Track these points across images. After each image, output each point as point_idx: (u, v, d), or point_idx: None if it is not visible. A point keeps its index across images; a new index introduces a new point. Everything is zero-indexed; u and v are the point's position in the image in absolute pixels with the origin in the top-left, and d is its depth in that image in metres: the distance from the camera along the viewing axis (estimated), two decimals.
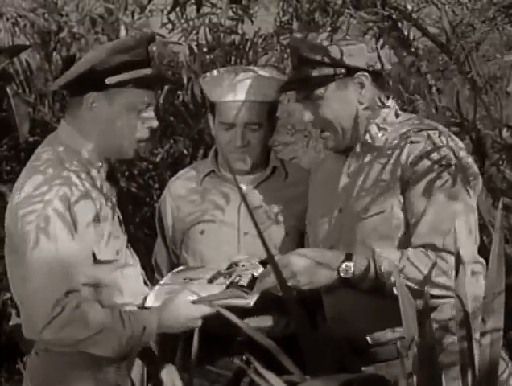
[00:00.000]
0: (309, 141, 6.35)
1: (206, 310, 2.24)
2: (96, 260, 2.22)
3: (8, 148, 4.05)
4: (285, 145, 5.22)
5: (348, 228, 2.32)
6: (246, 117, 2.54)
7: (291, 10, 2.28)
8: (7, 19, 3.96)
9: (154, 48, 2.29)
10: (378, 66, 2.30)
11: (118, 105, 2.28)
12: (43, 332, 2.12)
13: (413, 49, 2.37)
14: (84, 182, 2.21)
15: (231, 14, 2.33)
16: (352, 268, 2.17)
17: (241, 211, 2.57)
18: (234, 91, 2.53)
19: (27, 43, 4.11)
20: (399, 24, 2.30)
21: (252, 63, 3.96)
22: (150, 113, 2.32)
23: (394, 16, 2.25)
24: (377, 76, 2.32)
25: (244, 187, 2.59)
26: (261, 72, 2.59)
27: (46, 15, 3.94)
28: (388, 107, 2.34)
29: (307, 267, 2.17)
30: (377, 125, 2.33)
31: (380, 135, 2.32)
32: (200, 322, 2.24)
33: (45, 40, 4.15)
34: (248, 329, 1.77)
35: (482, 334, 1.66)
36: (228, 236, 2.58)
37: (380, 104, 2.32)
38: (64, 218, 2.14)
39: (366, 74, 2.30)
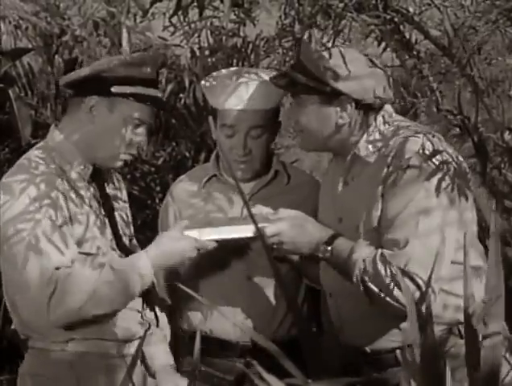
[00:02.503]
0: None
1: (200, 238, 2.30)
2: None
3: (10, 150, 4.05)
4: (287, 148, 5.21)
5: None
6: (249, 122, 2.53)
7: (292, 13, 2.28)
8: (9, 22, 3.96)
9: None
10: (370, 97, 2.28)
11: (118, 115, 2.34)
12: (49, 311, 2.18)
13: (415, 52, 2.37)
14: (69, 203, 2.27)
15: (233, 17, 2.33)
16: (329, 253, 2.27)
17: (244, 215, 2.56)
18: (236, 98, 2.52)
19: (30, 46, 4.11)
20: (401, 27, 2.30)
21: (254, 65, 3.95)
22: (142, 130, 2.38)
23: (395, 19, 2.25)
24: (365, 105, 2.30)
25: (246, 192, 2.59)
26: (263, 75, 2.58)
27: (48, 18, 3.94)
28: (373, 125, 2.32)
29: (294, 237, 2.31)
30: (367, 140, 2.32)
31: (371, 150, 2.31)
32: (195, 252, 2.30)
33: (47, 43, 4.16)
34: (250, 332, 1.77)
35: (484, 337, 1.66)
36: None
37: (363, 126, 2.32)
38: (50, 238, 2.21)
39: (350, 100, 2.28)
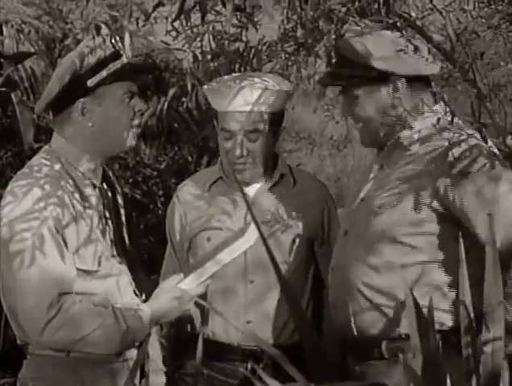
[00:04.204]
0: (313, 149, 6.35)
1: (196, 289, 2.31)
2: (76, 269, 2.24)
3: (12, 155, 4.05)
4: (289, 152, 5.22)
5: (363, 219, 2.32)
6: (246, 125, 2.54)
7: (295, 17, 2.28)
8: (12, 26, 3.97)
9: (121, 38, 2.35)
10: (421, 71, 2.30)
11: (108, 102, 2.33)
12: (42, 335, 2.15)
13: None
14: (74, 202, 2.26)
15: (235, 21, 2.33)
16: None
17: (248, 218, 2.56)
18: (235, 101, 2.53)
19: (32, 50, 4.11)
20: (404, 32, 2.30)
21: (256, 70, 3.96)
22: (136, 100, 2.37)
23: (398, 24, 2.25)
24: (417, 80, 2.31)
25: (251, 195, 2.59)
26: (266, 79, 2.58)
27: (51, 22, 3.94)
28: (430, 111, 2.31)
29: None
30: (411, 129, 2.31)
31: (415, 138, 2.30)
32: (192, 302, 2.32)
33: (50, 47, 4.16)
34: (253, 337, 1.77)
35: (484, 344, 1.66)
36: None
37: (418, 108, 2.32)
38: (56, 239, 2.19)
39: (402, 79, 2.30)
